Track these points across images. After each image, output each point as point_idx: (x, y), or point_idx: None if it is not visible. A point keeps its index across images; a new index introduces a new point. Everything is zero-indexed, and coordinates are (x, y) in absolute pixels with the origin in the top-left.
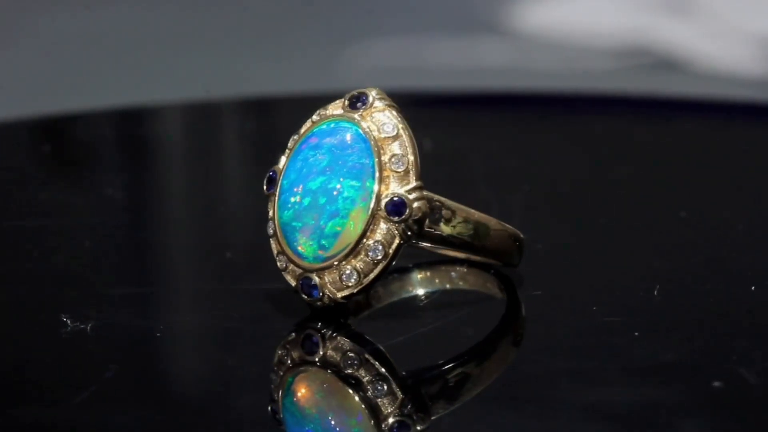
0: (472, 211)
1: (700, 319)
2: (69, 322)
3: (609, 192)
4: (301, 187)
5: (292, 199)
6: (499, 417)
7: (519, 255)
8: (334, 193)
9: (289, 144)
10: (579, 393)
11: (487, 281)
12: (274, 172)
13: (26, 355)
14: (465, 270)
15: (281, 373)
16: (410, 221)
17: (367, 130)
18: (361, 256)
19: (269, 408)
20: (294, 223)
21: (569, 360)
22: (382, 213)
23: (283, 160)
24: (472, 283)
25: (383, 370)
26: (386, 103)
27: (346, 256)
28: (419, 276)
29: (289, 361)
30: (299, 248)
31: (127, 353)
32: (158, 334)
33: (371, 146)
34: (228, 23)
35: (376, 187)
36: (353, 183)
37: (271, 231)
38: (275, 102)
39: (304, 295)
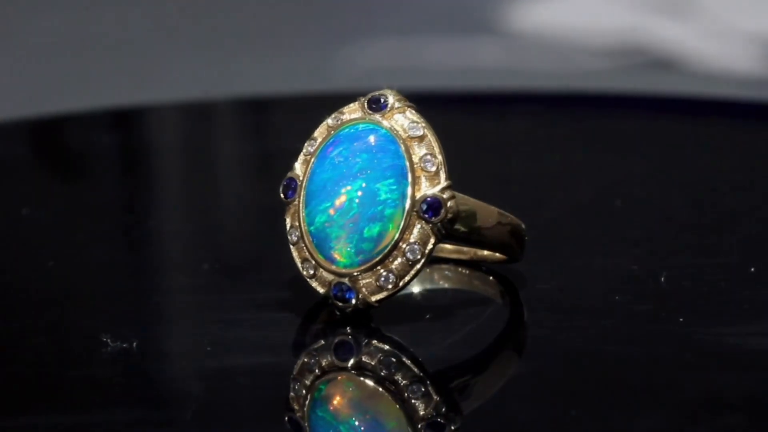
0: (481, 203)
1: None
2: (110, 341)
3: (605, 191)
4: (335, 191)
5: (326, 205)
6: (530, 413)
7: (521, 248)
8: (372, 196)
9: (305, 149)
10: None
11: (482, 282)
12: (291, 178)
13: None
14: (460, 270)
15: (307, 382)
16: (445, 221)
17: (394, 131)
18: (399, 259)
19: (286, 418)
20: (329, 229)
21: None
22: (418, 214)
23: (298, 166)
24: (463, 282)
25: (418, 371)
26: (405, 103)
27: (383, 259)
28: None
29: (317, 369)
30: (334, 254)
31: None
32: (208, 349)
33: (401, 147)
34: (224, 24)
35: (410, 189)
36: (390, 185)
37: (295, 238)
38: (271, 102)
39: (336, 302)
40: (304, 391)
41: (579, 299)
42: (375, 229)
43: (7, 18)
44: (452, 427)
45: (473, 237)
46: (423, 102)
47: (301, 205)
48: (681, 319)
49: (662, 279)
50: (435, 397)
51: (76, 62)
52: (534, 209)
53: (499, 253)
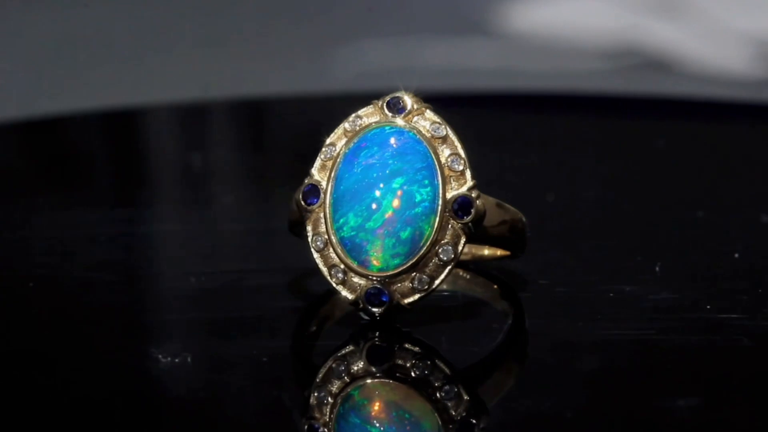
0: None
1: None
2: (161, 357)
3: (601, 191)
4: (368, 195)
5: (359, 209)
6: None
7: (522, 243)
8: (407, 198)
9: (322, 154)
10: None
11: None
12: (313, 185)
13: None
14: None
15: (333, 389)
16: (475, 220)
17: (420, 133)
18: (433, 260)
19: (306, 426)
20: (363, 233)
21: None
22: (450, 214)
23: (317, 172)
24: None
25: (449, 371)
26: (422, 104)
27: (419, 261)
28: None
29: (346, 376)
30: (369, 258)
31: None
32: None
33: (428, 149)
34: (220, 25)
35: (441, 189)
36: (424, 187)
37: (320, 245)
38: (267, 103)
39: (368, 306)
40: (330, 398)
41: (581, 293)
42: (411, 232)
43: (2, 17)
44: (481, 427)
45: (479, 234)
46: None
47: (327, 211)
48: (708, 306)
49: (657, 269)
50: (465, 397)
51: (73, 63)
52: (532, 208)
53: (501, 249)
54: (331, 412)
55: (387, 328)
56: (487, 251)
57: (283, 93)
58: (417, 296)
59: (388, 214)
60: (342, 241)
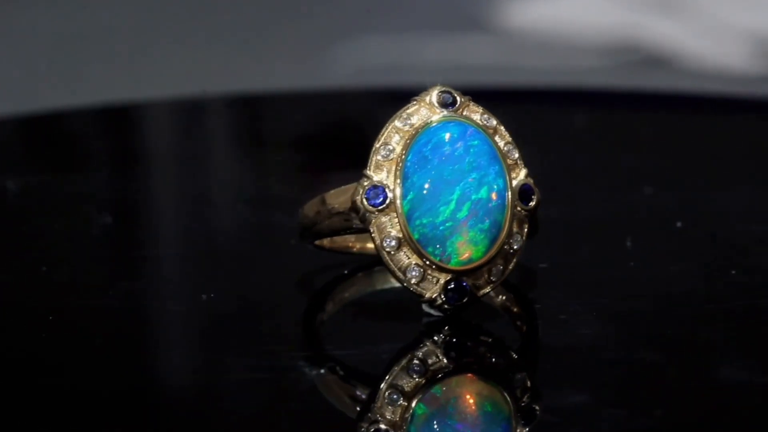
0: None
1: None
2: (307, 369)
3: (599, 188)
4: (448, 191)
5: (439, 205)
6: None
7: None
8: (485, 190)
9: (379, 155)
10: None
11: None
12: (379, 186)
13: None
14: None
15: (409, 387)
16: (536, 206)
17: (477, 125)
18: (505, 249)
19: (373, 429)
20: (445, 230)
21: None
22: (516, 202)
23: (375, 172)
24: None
25: (516, 360)
26: (464, 97)
27: (497, 251)
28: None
29: (428, 372)
30: (454, 253)
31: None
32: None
33: (490, 140)
34: (217, 21)
35: (508, 178)
36: (497, 177)
37: (394, 245)
38: (264, 99)
39: (448, 301)
40: (404, 398)
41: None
42: (491, 223)
43: (1, 13)
44: (537, 413)
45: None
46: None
47: (401, 211)
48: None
49: (628, 243)
50: (528, 384)
51: (70, 58)
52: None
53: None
54: (405, 412)
55: (456, 323)
56: None
57: (281, 89)
58: (489, 288)
59: (470, 207)
60: (422, 238)
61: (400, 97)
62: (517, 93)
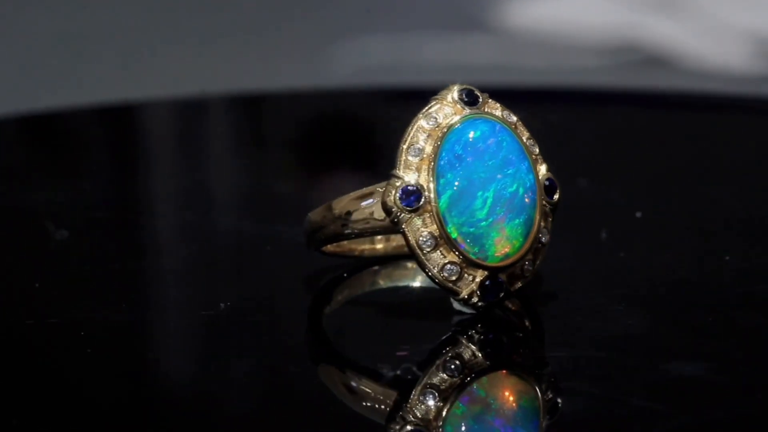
0: None
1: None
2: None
3: (598, 188)
4: (485, 187)
5: (477, 202)
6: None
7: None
8: (518, 185)
9: (410, 156)
10: None
11: None
12: (413, 186)
13: None
14: None
15: (442, 387)
16: (558, 201)
17: (503, 121)
18: (535, 243)
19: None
20: (484, 227)
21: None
22: (543, 197)
23: (408, 173)
24: None
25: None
26: (484, 94)
27: (530, 246)
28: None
29: (463, 370)
30: (489, 250)
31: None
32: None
33: (515, 136)
34: (217, 21)
35: (534, 173)
36: (528, 173)
37: (431, 244)
38: (264, 99)
39: (484, 298)
40: (441, 397)
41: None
42: (525, 218)
43: (1, 13)
44: (559, 405)
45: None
46: (420, 99)
47: (437, 209)
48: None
49: (603, 234)
50: (552, 379)
51: (70, 58)
52: None
53: None
54: (442, 411)
55: (487, 319)
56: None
57: (281, 89)
58: (521, 283)
59: (506, 204)
60: (461, 236)
61: (398, 96)
62: (517, 93)
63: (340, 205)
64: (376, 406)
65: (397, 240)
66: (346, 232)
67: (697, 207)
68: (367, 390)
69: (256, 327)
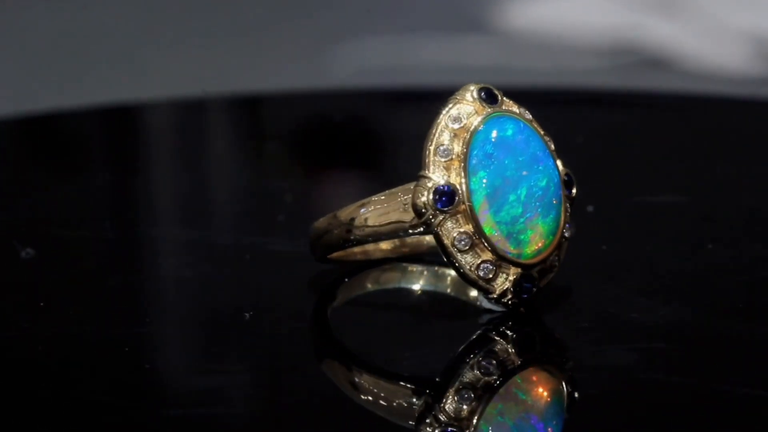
0: None
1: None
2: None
3: (598, 188)
4: (518, 185)
5: (511, 200)
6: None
7: None
8: (546, 180)
9: (439, 156)
10: None
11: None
12: (445, 186)
13: None
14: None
15: (476, 386)
16: (575, 195)
17: (523, 118)
18: (561, 238)
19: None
20: (519, 224)
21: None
22: (564, 191)
23: (434, 174)
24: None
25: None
26: (500, 92)
27: (558, 241)
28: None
29: (496, 369)
30: (522, 246)
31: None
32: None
33: (537, 133)
34: (218, 21)
35: (559, 170)
36: (553, 168)
37: (467, 243)
38: (264, 99)
39: (518, 295)
40: (475, 396)
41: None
42: (555, 213)
43: (2, 13)
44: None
45: None
46: (420, 99)
47: (473, 209)
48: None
49: (589, 209)
50: (576, 377)
51: (70, 58)
52: None
53: None
54: (476, 409)
55: (517, 317)
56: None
57: (281, 89)
58: (548, 278)
59: (539, 200)
60: (497, 234)
61: (397, 98)
62: (517, 93)
63: (347, 211)
64: (395, 404)
65: (400, 240)
66: (353, 237)
67: (697, 207)
68: (380, 391)
69: (257, 329)
